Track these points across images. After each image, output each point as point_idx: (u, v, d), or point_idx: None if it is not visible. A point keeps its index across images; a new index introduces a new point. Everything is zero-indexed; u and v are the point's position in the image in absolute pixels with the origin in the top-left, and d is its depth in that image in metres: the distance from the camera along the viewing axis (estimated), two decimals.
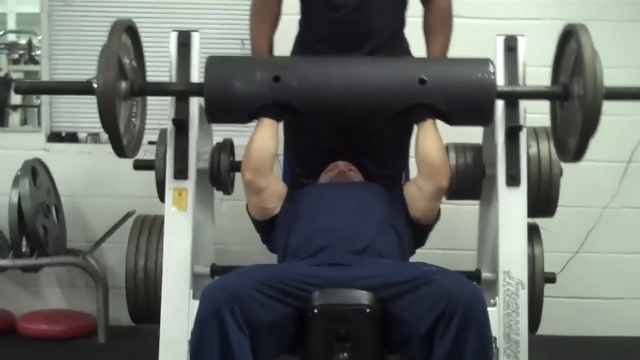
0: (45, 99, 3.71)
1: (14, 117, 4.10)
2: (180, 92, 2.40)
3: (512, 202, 2.40)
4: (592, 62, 2.07)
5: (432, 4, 2.69)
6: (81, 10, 3.67)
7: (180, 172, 2.42)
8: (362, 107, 2.32)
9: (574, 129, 2.20)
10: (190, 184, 2.42)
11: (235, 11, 3.59)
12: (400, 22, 2.74)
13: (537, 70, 2.99)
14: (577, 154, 2.20)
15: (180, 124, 2.41)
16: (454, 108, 2.29)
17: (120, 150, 2.20)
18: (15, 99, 4.07)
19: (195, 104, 2.44)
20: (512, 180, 2.41)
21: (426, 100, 2.28)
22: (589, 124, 2.10)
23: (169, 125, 2.43)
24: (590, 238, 3.58)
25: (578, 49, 2.12)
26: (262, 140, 2.31)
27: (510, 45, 2.46)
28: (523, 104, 2.43)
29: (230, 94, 2.28)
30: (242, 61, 2.57)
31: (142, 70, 2.38)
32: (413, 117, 2.35)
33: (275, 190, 2.37)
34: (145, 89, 2.35)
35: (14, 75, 4.18)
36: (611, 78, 3.53)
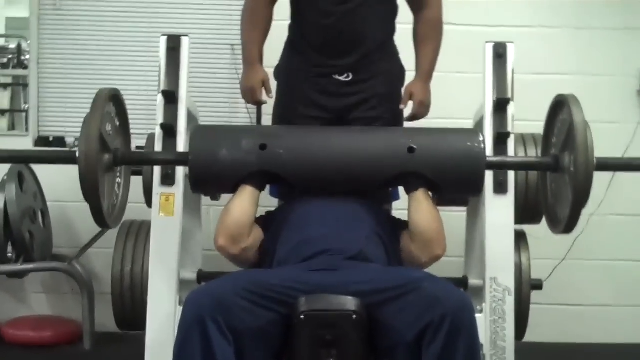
0: (33, 103, 3.70)
1: (2, 122, 4.08)
2: (165, 160, 2.37)
3: (500, 209, 2.41)
4: (584, 137, 2.05)
5: (423, 13, 2.70)
6: (71, 15, 3.65)
7: (168, 178, 2.41)
8: (350, 175, 2.29)
9: (565, 201, 2.18)
10: (177, 189, 2.41)
11: (225, 16, 3.59)
12: (390, 30, 2.75)
13: (526, 77, 3.02)
14: (569, 227, 2.17)
15: (169, 128, 2.40)
16: (444, 177, 2.26)
17: (102, 221, 2.13)
18: (3, 103, 4.05)
19: (184, 108, 2.43)
20: (500, 187, 2.41)
21: (415, 168, 2.25)
22: (581, 198, 2.08)
23: (157, 130, 2.42)
24: (576, 245, 3.58)
25: (570, 123, 2.11)
26: (240, 208, 2.25)
27: (499, 52, 2.47)
28: (511, 110, 2.44)
29: (215, 162, 2.24)
30: (227, 130, 2.54)
31: (126, 136, 2.33)
32: (404, 187, 2.33)
33: (252, 248, 2.29)
34: (128, 159, 2.30)
35: (2, 80, 4.16)
36: (601, 86, 3.61)
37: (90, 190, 2.04)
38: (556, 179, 2.28)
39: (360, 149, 2.29)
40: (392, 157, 2.27)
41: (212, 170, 2.26)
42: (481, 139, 2.29)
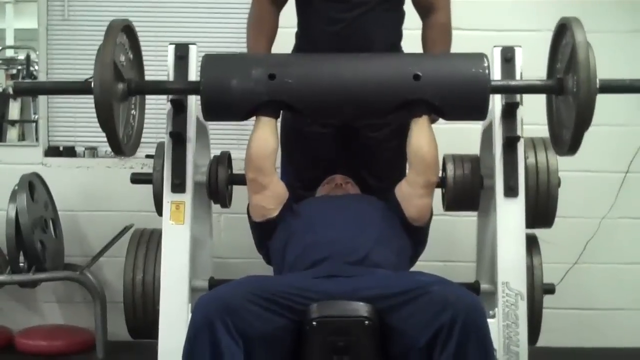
0: (42, 113, 3.72)
1: (12, 132, 4.10)
2: (177, 89, 2.41)
3: (510, 213, 2.40)
4: (586, 57, 2.09)
5: (431, 18, 2.71)
6: (79, 25, 3.67)
7: (178, 185, 2.42)
8: (357, 103, 2.32)
9: (569, 122, 2.21)
10: (187, 197, 2.42)
11: (232, 24, 3.60)
12: (397, 36, 2.75)
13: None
14: (572, 147, 2.20)
15: (178, 137, 2.41)
16: (448, 103, 2.29)
17: (118, 149, 2.21)
18: (13, 114, 4.07)
19: (193, 116, 2.44)
20: (510, 191, 2.41)
21: (420, 95, 2.28)
22: (583, 118, 2.11)
23: (167, 139, 2.43)
24: (588, 249, 3.57)
25: (572, 44, 2.13)
26: (261, 139, 2.32)
27: (507, 56, 2.47)
28: (520, 114, 2.43)
29: (226, 92, 2.28)
30: (237, 59, 2.57)
31: (139, 69, 2.40)
32: (408, 112, 2.35)
33: (276, 190, 2.36)
34: (142, 88, 2.37)
35: (12, 91, 4.18)
36: None
37: (106, 117, 2.10)
38: (561, 100, 2.31)
39: (368, 76, 2.32)
40: (398, 84, 2.30)
41: (224, 99, 2.30)
42: (486, 64, 2.30)
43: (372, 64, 2.37)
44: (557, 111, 2.36)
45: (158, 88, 2.46)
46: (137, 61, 2.39)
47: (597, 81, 2.11)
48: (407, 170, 2.42)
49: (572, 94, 2.17)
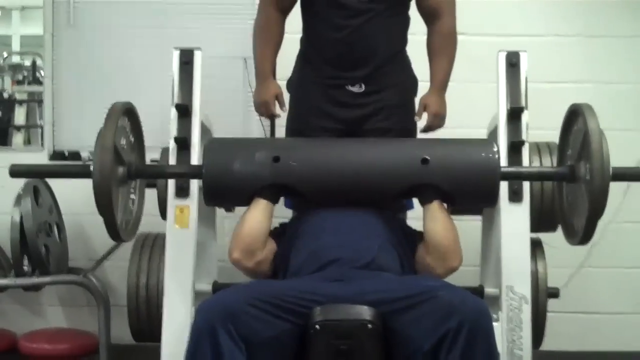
0: (48, 118, 3.72)
1: (18, 137, 4.11)
2: (179, 174, 2.38)
3: (515, 218, 2.40)
4: (600, 146, 2.03)
5: (436, 24, 2.71)
6: (84, 31, 3.68)
7: (182, 190, 2.42)
8: (364, 188, 2.28)
9: (581, 211, 2.16)
10: (192, 201, 2.42)
11: (238, 29, 3.60)
12: (402, 42, 2.75)
13: (539, 86, 3.01)
14: (585, 237, 2.15)
15: (183, 142, 2.41)
16: (458, 188, 2.24)
17: (116, 235, 2.14)
18: (19, 119, 4.09)
19: (197, 121, 2.44)
20: (515, 195, 2.40)
21: (429, 179, 2.24)
22: (597, 208, 2.06)
23: (171, 143, 2.44)
24: (593, 253, 3.56)
25: (585, 132, 2.09)
26: (255, 221, 2.25)
27: (512, 61, 2.46)
28: (525, 118, 2.43)
29: (229, 175, 2.24)
30: (241, 143, 2.53)
31: (140, 151, 2.34)
32: (418, 198, 2.31)
33: (266, 261, 2.29)
34: (142, 173, 2.32)
35: (18, 96, 4.20)
36: (615, 94, 3.59)
37: (105, 203, 2.04)
38: (572, 189, 2.27)
39: (374, 161, 2.28)
40: (405, 168, 2.26)
41: (226, 183, 2.25)
42: (495, 149, 2.27)
43: (380, 148, 2.35)
44: (568, 198, 2.32)
45: (159, 172, 2.45)
46: (138, 144, 2.33)
47: (611, 169, 2.05)
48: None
49: (585, 182, 2.13)
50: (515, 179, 2.38)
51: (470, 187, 2.25)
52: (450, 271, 2.26)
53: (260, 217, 2.26)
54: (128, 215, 2.29)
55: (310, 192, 2.28)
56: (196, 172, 2.31)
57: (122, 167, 2.18)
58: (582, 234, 2.15)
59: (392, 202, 2.49)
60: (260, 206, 2.26)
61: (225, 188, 2.27)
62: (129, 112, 2.24)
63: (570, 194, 2.30)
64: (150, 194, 2.62)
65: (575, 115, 2.21)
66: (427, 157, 2.24)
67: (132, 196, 2.32)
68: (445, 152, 2.29)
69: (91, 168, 2.05)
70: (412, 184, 2.26)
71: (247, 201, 2.28)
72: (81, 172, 2.19)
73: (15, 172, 2.28)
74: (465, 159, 2.27)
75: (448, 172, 2.24)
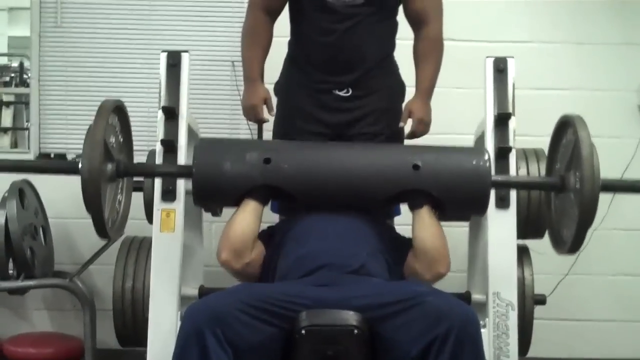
0: (34, 120, 3.69)
1: (4, 140, 4.09)
2: (168, 173, 2.37)
3: (502, 224, 2.40)
4: (591, 158, 2.05)
5: (423, 30, 2.70)
6: (71, 32, 3.66)
7: (169, 193, 2.41)
8: (354, 191, 2.28)
9: (570, 221, 2.17)
10: (178, 205, 2.41)
11: (226, 32, 3.60)
12: (391, 46, 2.75)
13: (527, 92, 3.02)
14: (573, 247, 2.17)
15: (169, 144, 2.40)
16: (449, 195, 2.23)
17: (103, 232, 2.12)
18: (6, 121, 4.06)
19: (184, 124, 2.43)
20: (502, 202, 2.40)
21: (419, 185, 2.24)
22: (586, 218, 2.08)
23: (158, 146, 2.42)
24: (580, 260, 3.56)
25: (575, 142, 2.10)
26: (244, 222, 2.24)
27: (500, 67, 2.47)
28: (512, 125, 2.43)
29: (219, 175, 2.23)
30: (231, 143, 2.53)
31: (128, 150, 2.34)
32: (408, 204, 2.31)
33: (255, 263, 2.28)
34: (131, 171, 2.31)
35: (5, 98, 4.18)
36: (602, 101, 3.61)
37: (93, 199, 2.03)
38: (561, 199, 2.27)
39: (365, 165, 2.28)
40: (396, 173, 2.26)
41: (215, 183, 2.24)
42: (486, 157, 2.27)
43: (371, 153, 2.34)
44: (557, 209, 2.33)
45: (148, 171, 2.44)
46: (127, 143, 2.32)
47: (600, 180, 2.07)
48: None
49: (575, 191, 2.14)
50: (505, 188, 2.38)
51: (460, 195, 2.25)
52: (438, 277, 2.26)
53: (249, 218, 2.24)
54: (114, 214, 2.27)
55: (300, 195, 2.27)
56: (186, 172, 2.30)
57: (111, 164, 2.17)
58: (570, 243, 2.16)
59: (382, 207, 2.48)
60: (249, 208, 2.25)
61: (215, 188, 2.26)
62: (119, 110, 2.23)
63: (559, 204, 2.31)
64: (137, 197, 2.60)
65: (565, 126, 2.22)
66: (418, 163, 2.23)
67: (119, 196, 2.31)
68: (437, 159, 2.28)
69: (79, 165, 2.04)
70: (402, 189, 2.25)
71: (237, 202, 2.27)
72: (69, 169, 2.18)
73: (2, 167, 2.26)
74: (457, 167, 2.26)
75: (439, 178, 2.24)
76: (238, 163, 2.23)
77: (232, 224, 2.25)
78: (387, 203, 2.35)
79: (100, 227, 2.10)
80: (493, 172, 2.35)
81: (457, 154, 2.32)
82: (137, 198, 2.60)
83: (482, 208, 2.30)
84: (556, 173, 2.29)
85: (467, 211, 2.40)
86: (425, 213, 2.25)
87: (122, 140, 2.28)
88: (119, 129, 2.26)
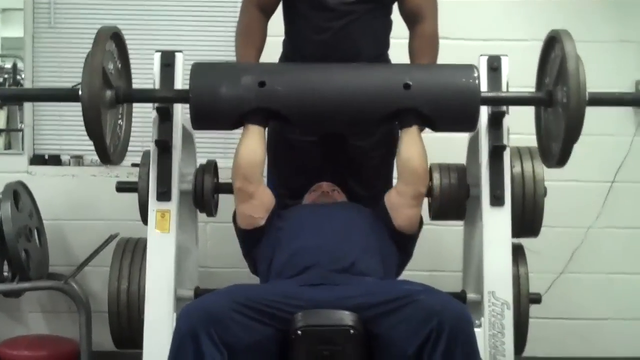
0: (28, 121, 3.69)
1: None
2: (166, 98, 2.39)
3: (497, 223, 2.40)
4: (576, 69, 2.10)
5: (418, 27, 2.71)
6: (65, 33, 3.65)
7: (163, 194, 2.40)
8: (348, 111, 2.31)
9: (558, 135, 2.22)
10: (173, 205, 2.40)
11: (220, 32, 3.60)
12: (385, 44, 2.76)
13: (521, 90, 3.01)
14: (561, 160, 2.22)
15: (164, 145, 2.40)
16: (439, 112, 2.29)
17: (106, 158, 2.19)
18: None
19: (179, 124, 2.43)
20: (496, 200, 2.41)
21: (410, 104, 2.28)
22: (573, 131, 2.13)
23: (152, 147, 2.42)
24: (575, 258, 3.58)
25: (562, 56, 2.15)
26: (249, 147, 2.30)
27: (494, 65, 2.47)
28: (506, 123, 2.43)
29: (215, 99, 2.27)
30: (227, 67, 2.56)
31: (127, 77, 2.38)
32: (398, 122, 2.35)
33: (264, 199, 2.35)
34: (130, 96, 2.35)
35: None
36: None
37: (94, 124, 2.08)
38: (550, 113, 2.32)
39: (358, 85, 2.32)
40: (388, 93, 2.30)
41: (212, 107, 2.29)
42: (476, 74, 2.31)
43: (363, 74, 2.37)
44: (546, 124, 2.37)
45: (147, 96, 2.44)
46: (125, 70, 2.37)
47: (587, 93, 2.12)
48: (396, 180, 2.41)
49: (562, 105, 2.18)
50: (494, 104, 2.41)
51: (451, 112, 2.30)
52: (419, 195, 2.34)
53: (252, 142, 2.30)
54: (116, 139, 2.31)
55: (294, 116, 2.31)
56: (183, 96, 2.34)
57: (110, 91, 2.21)
58: (558, 157, 2.22)
59: (374, 127, 2.53)
60: (250, 132, 2.31)
61: (211, 112, 2.30)
62: (115, 37, 2.26)
63: (548, 119, 2.35)
64: (132, 198, 2.60)
65: (553, 42, 2.26)
66: (409, 82, 2.27)
67: (120, 121, 2.34)
68: (427, 77, 2.34)
69: (79, 92, 2.07)
70: (394, 108, 2.30)
71: (233, 125, 2.34)
72: (69, 96, 2.21)
73: (3, 96, 2.52)
74: (447, 84, 2.32)
75: (430, 97, 2.29)
76: (233, 87, 2.28)
77: (238, 152, 2.32)
78: (379, 123, 2.40)
79: (103, 153, 2.16)
80: (486, 169, 2.39)
81: (447, 72, 2.37)
82: (132, 198, 2.60)
83: (471, 124, 2.35)
84: (544, 88, 2.33)
85: (457, 127, 2.43)
86: (414, 132, 2.31)
87: (120, 66, 2.32)
88: (117, 55, 2.29)
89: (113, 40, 2.24)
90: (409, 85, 2.27)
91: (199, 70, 2.33)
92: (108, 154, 2.18)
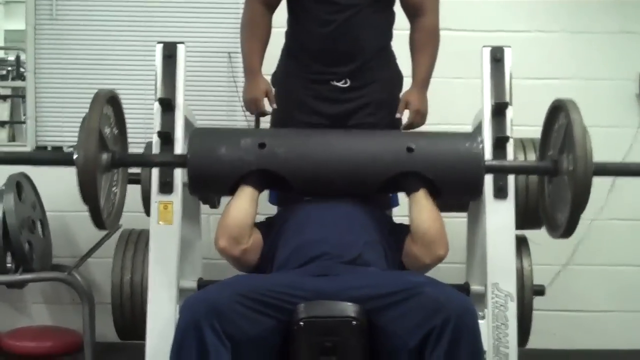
0: (30, 113, 3.69)
1: (2, 133, 4.10)
2: (163, 162, 2.36)
3: (500, 215, 2.39)
4: (583, 139, 2.04)
5: (419, 21, 2.70)
6: (67, 25, 3.65)
7: (166, 185, 2.39)
8: (349, 175, 2.27)
9: (564, 205, 2.16)
10: (176, 197, 2.40)
11: (222, 23, 3.59)
12: (388, 36, 2.75)
13: (524, 82, 3.01)
14: (568, 230, 2.15)
15: (166, 136, 2.39)
16: (443, 177, 2.24)
17: (100, 223, 2.10)
18: (3, 115, 4.06)
19: (181, 115, 2.42)
20: (500, 192, 2.40)
21: (414, 167, 2.24)
22: (580, 200, 2.06)
23: (155, 138, 2.41)
24: (579, 250, 3.57)
25: (568, 125, 2.09)
26: (241, 208, 2.22)
27: (497, 57, 2.46)
28: (510, 114, 2.43)
29: (214, 161, 2.22)
30: (226, 131, 2.53)
31: (123, 140, 2.32)
32: (404, 189, 2.31)
33: (253, 251, 2.27)
34: (126, 161, 2.28)
35: (2, 92, 4.17)
36: (600, 90, 3.61)
37: (89, 189, 2.01)
38: (555, 183, 2.27)
39: (360, 149, 2.28)
40: (391, 156, 2.26)
41: (211, 170, 2.23)
42: (480, 140, 2.29)
43: (365, 138, 2.34)
44: (550, 194, 2.32)
45: (143, 161, 2.43)
46: (122, 136, 2.30)
47: (593, 164, 2.05)
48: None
49: (568, 173, 2.12)
50: (499, 172, 2.37)
51: (455, 177, 2.25)
52: (438, 260, 2.25)
53: (245, 205, 2.23)
54: (110, 205, 2.26)
55: (295, 179, 2.26)
56: (180, 161, 2.29)
57: (107, 154, 2.16)
58: (564, 227, 2.15)
59: (378, 192, 2.46)
60: (245, 194, 2.24)
61: (210, 175, 2.25)
62: (112, 100, 2.21)
63: (552, 188, 2.30)
64: (134, 190, 2.60)
65: (558, 111, 2.21)
66: (412, 146, 2.24)
67: (114, 188, 2.30)
68: (431, 142, 2.30)
69: (74, 155, 2.03)
70: (397, 172, 2.25)
71: (232, 189, 2.26)
72: (65, 161, 2.16)
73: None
74: (450, 149, 2.27)
75: (433, 161, 2.25)
76: (233, 149, 2.23)
77: (228, 211, 2.24)
78: (382, 188, 2.33)
79: (97, 217, 2.08)
80: (489, 157, 2.36)
81: (451, 137, 2.34)
82: (135, 190, 2.60)
83: (476, 192, 2.30)
84: (549, 158, 2.29)
85: (462, 194, 2.39)
86: (421, 196, 2.25)
87: (116, 132, 2.27)
88: (114, 121, 2.24)
89: (110, 104, 2.19)
90: (412, 149, 2.23)
91: (197, 134, 2.30)
92: (102, 218, 2.09)
